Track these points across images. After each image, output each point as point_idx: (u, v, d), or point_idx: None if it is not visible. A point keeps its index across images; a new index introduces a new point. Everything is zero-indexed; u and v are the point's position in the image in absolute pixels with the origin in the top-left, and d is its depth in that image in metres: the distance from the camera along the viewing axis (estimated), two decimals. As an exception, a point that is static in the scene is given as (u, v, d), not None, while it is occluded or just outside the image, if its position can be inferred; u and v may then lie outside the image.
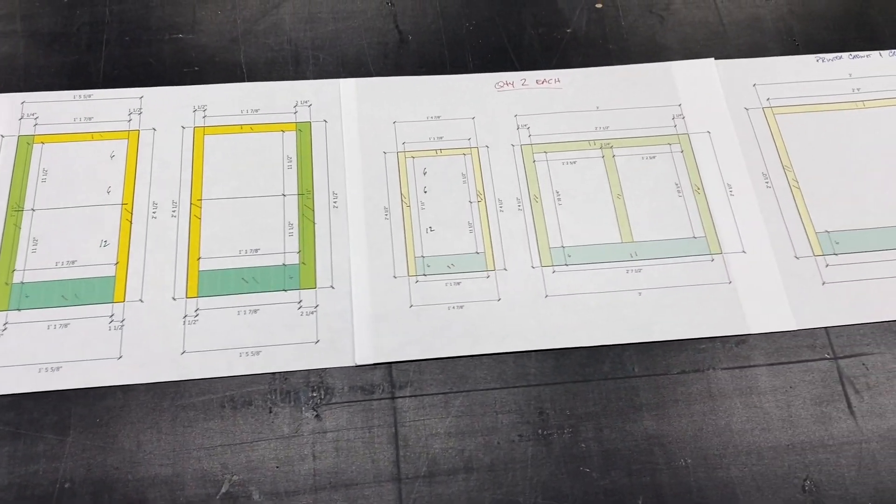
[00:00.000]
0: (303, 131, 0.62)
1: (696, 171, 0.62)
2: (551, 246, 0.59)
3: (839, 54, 0.68)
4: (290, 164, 0.60)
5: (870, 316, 0.57)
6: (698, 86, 0.66)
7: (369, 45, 0.66)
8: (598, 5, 0.69)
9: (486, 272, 0.57)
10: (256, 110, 0.63)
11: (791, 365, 0.55)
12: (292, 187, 0.60)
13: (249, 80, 0.64)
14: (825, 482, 0.52)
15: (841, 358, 0.56)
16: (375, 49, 0.66)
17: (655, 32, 0.68)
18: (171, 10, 0.67)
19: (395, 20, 0.67)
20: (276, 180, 0.60)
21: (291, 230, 0.58)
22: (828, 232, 0.60)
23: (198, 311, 0.55)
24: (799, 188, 0.62)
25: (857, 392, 0.55)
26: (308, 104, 0.63)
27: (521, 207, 0.60)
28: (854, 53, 0.68)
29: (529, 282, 0.57)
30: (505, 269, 0.58)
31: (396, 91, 0.64)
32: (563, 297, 0.57)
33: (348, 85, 0.64)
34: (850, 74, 0.67)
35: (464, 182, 0.61)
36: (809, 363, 0.55)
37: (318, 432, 0.52)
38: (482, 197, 0.60)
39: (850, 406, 0.54)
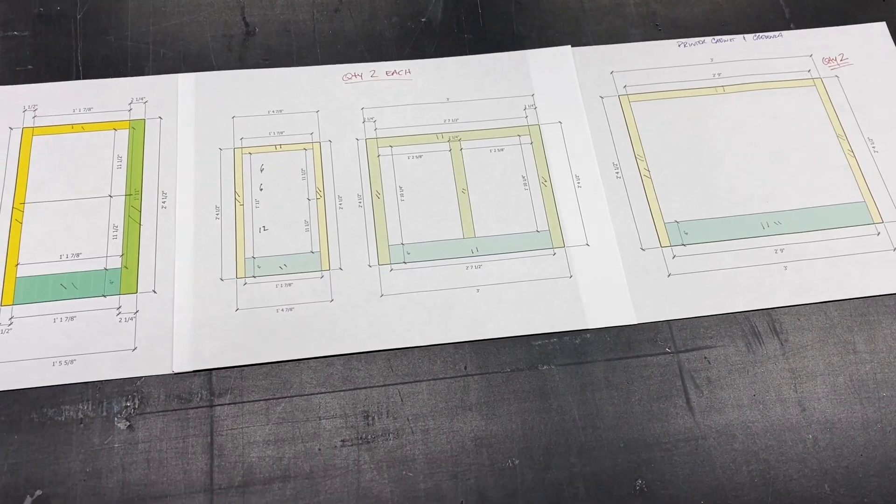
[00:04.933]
0: (136, 129, 0.59)
1: (544, 162, 0.60)
2: (390, 244, 0.57)
3: (702, 39, 0.66)
4: (120, 163, 0.58)
5: (714, 308, 0.56)
6: (553, 74, 0.64)
7: (213, 38, 0.64)
8: (455, -7, 0.67)
9: (319, 272, 0.56)
10: (90, 109, 0.60)
11: (630, 360, 0.54)
12: (120, 188, 0.57)
13: (85, 78, 0.61)
14: (658, 482, 0.50)
15: (682, 352, 0.54)
16: (220, 42, 0.64)
17: (513, 20, 0.66)
18: (5, 7, 0.64)
19: (242, 12, 0.65)
20: (104, 181, 0.58)
21: (116, 233, 0.56)
22: (677, 222, 0.58)
23: (12, 320, 0.53)
24: (650, 178, 0.60)
25: (696, 387, 0.53)
26: (144, 101, 0.61)
27: (361, 204, 0.58)
28: (717, 38, 0.66)
29: (365, 281, 0.55)
30: (340, 269, 0.56)
31: (237, 85, 0.62)
32: (399, 296, 0.55)
33: (187, 80, 0.62)
34: (712, 59, 0.66)
35: (303, 178, 0.59)
36: (649, 358, 0.54)
37: (130, 443, 0.50)
38: (321, 194, 0.58)
39: (688, 402, 0.53)
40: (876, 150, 0.61)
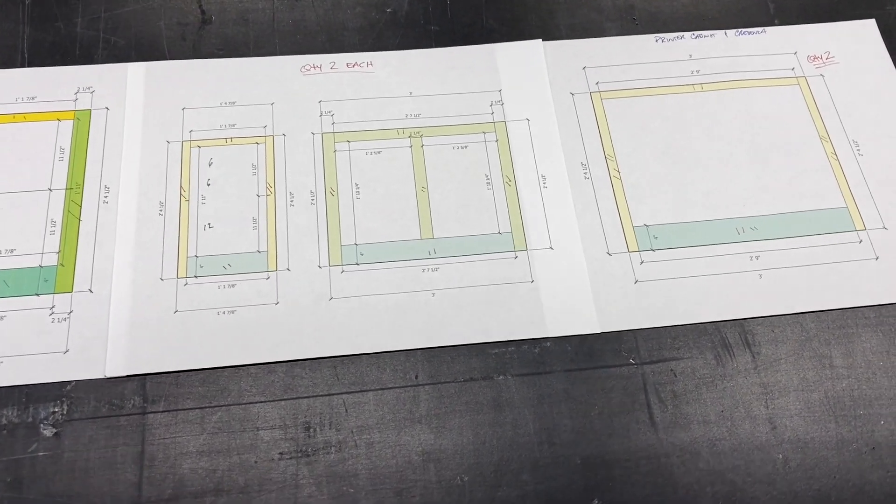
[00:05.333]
0: (81, 120, 0.57)
1: (509, 161, 0.57)
2: (343, 244, 0.54)
3: (681, 34, 0.63)
4: (62, 156, 0.55)
5: (683, 317, 0.52)
6: (522, 69, 0.61)
7: (168, 26, 0.61)
8: (423, -17, 0.64)
9: (265, 273, 0.53)
10: (33, 98, 0.57)
11: (591, 371, 0.51)
12: (61, 181, 0.54)
13: (30, 66, 0.59)
14: (615, 502, 0.47)
15: (647, 364, 0.51)
16: (174, 31, 0.61)
17: (483, 12, 0.63)
18: (-50, -10, 0.61)
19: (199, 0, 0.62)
20: (44, 174, 0.55)
21: (54, 228, 0.53)
22: (646, 226, 0.55)
23: (-62, 319, 0.50)
24: (620, 179, 0.57)
25: (661, 401, 0.50)
26: (91, 91, 0.58)
27: (314, 202, 0.55)
28: (697, 33, 0.63)
29: (314, 283, 0.52)
30: (288, 270, 0.53)
31: (189, 75, 0.59)
32: (349, 299, 0.52)
33: (137, 69, 0.59)
34: (691, 55, 0.62)
35: (253, 174, 0.56)
36: (612, 369, 0.51)
37: (56, 452, 0.47)
38: (272, 190, 0.55)
39: (651, 417, 0.49)
40: (861, 153, 0.58)
